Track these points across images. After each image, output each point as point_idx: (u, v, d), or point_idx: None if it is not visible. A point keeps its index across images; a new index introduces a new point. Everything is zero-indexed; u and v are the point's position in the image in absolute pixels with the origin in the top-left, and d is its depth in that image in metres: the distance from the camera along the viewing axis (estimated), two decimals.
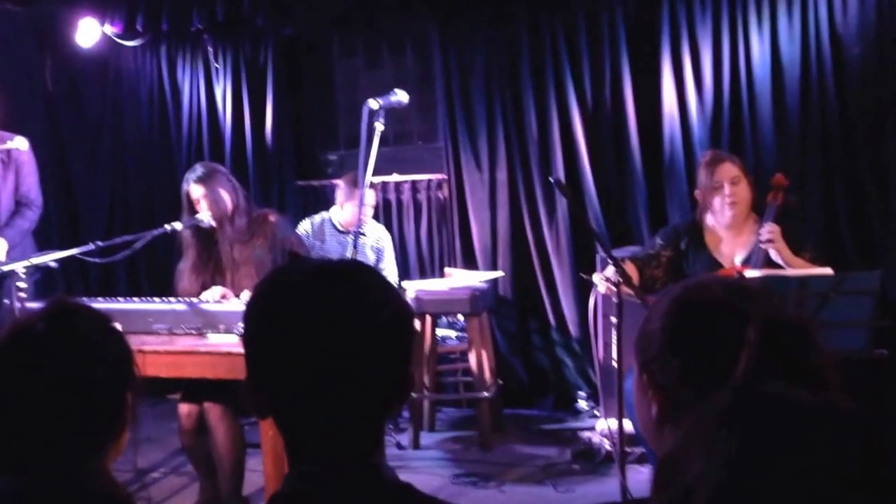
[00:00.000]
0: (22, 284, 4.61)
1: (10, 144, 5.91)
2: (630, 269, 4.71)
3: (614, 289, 4.24)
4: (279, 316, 1.55)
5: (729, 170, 4.83)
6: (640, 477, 5.16)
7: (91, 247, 4.79)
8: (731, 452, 1.01)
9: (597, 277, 4.61)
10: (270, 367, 1.55)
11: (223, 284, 5.07)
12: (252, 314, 1.60)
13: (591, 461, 5.81)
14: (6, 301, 4.86)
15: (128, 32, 7.91)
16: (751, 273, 4.52)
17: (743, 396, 1.11)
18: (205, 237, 5.12)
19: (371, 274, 1.64)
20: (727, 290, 1.76)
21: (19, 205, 6.27)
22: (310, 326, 1.51)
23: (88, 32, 7.62)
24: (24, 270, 4.62)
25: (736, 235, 4.88)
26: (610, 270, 4.39)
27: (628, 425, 4.30)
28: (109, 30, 7.84)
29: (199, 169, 5.13)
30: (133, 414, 1.98)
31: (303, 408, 1.54)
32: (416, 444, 6.33)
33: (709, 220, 4.93)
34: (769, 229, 4.65)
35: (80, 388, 1.85)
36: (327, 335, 1.51)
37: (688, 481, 1.03)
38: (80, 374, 1.86)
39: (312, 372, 1.51)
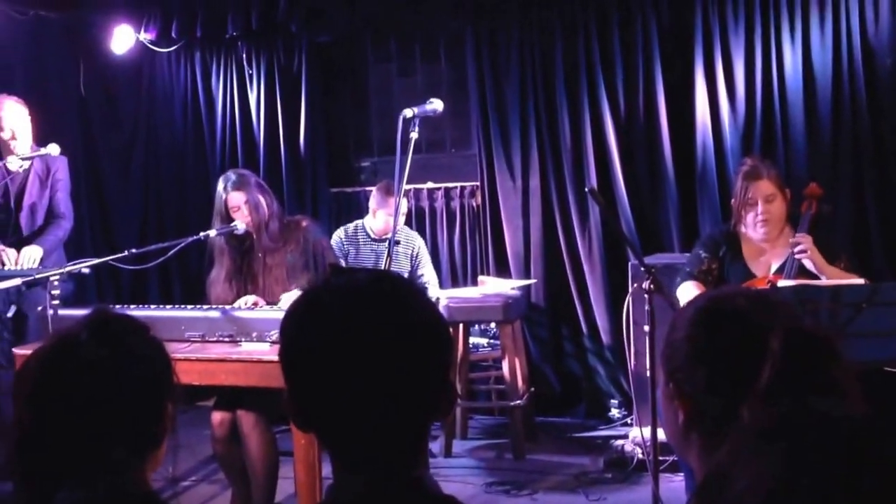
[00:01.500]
0: (55, 292, 4.64)
1: (42, 151, 5.98)
2: (700, 287, 4.71)
3: None
4: (317, 331, 1.55)
5: (764, 188, 4.80)
6: (673, 485, 5.14)
7: (125, 254, 4.83)
8: (778, 468, 1.02)
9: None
10: (310, 382, 1.56)
11: (255, 292, 5.09)
12: (290, 329, 1.59)
13: (623, 470, 5.80)
14: (39, 308, 4.90)
15: (162, 39, 7.98)
16: (784, 283, 4.50)
17: (789, 413, 1.11)
18: (237, 245, 5.15)
19: (407, 285, 1.65)
20: (751, 301, 1.79)
21: (52, 216, 6.34)
22: (347, 341, 1.51)
23: (123, 39, 7.69)
24: (57, 278, 4.66)
25: (771, 247, 4.86)
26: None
27: (661, 434, 4.27)
28: (144, 37, 7.91)
29: (232, 176, 5.16)
30: (173, 423, 1.99)
31: (344, 422, 1.54)
32: (448, 452, 6.33)
33: (743, 229, 4.91)
34: (801, 239, 4.63)
35: (123, 397, 1.87)
36: (365, 349, 1.51)
37: (734, 497, 1.04)
38: (123, 384, 1.87)
39: (352, 386, 1.51)
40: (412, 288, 1.64)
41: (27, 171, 6.23)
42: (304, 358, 1.56)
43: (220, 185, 5.14)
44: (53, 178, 6.32)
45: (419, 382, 1.54)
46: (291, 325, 1.60)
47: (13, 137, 6.09)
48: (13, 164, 6.14)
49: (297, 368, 1.58)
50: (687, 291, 4.68)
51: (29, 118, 6.20)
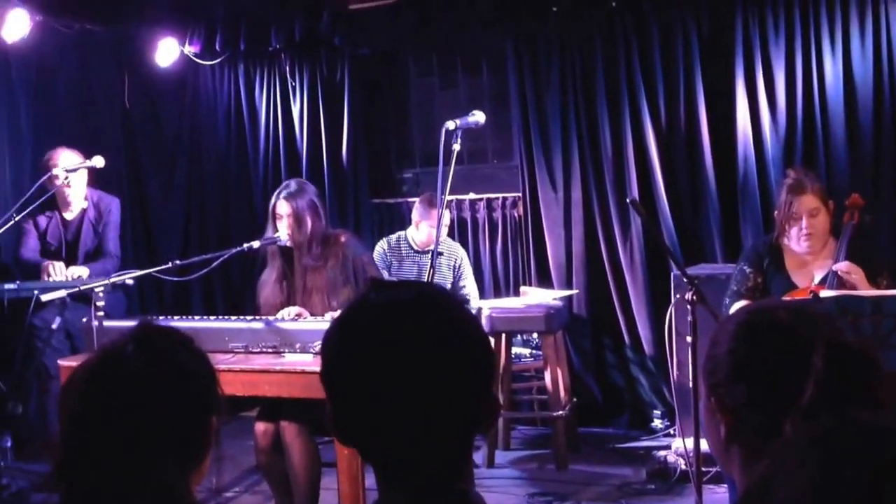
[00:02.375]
0: (100, 303, 4.69)
1: (87, 163, 6.07)
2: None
3: None
4: (357, 346, 1.55)
5: (808, 202, 4.76)
6: (717, 497, 5.11)
7: (169, 265, 4.88)
8: (818, 479, 1.02)
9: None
10: (351, 396, 1.55)
11: (297, 304, 5.11)
12: (331, 344, 1.60)
13: (666, 481, 5.77)
14: (84, 319, 4.96)
15: (206, 52, 8.06)
16: (826, 293, 4.47)
17: (831, 425, 1.10)
18: (284, 254, 5.18)
19: (447, 298, 1.64)
20: (792, 315, 1.78)
21: (100, 254, 6.50)
22: (387, 355, 1.51)
23: (168, 52, 7.76)
24: (101, 290, 4.72)
25: (814, 260, 4.83)
26: None
27: (704, 444, 4.26)
28: (188, 50, 7.99)
29: (292, 185, 5.20)
30: (217, 436, 1.99)
31: (386, 436, 1.53)
32: (490, 463, 6.33)
33: (785, 241, 4.88)
34: (847, 268, 4.60)
35: (167, 410, 1.87)
36: (405, 363, 1.50)
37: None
38: (168, 397, 1.88)
39: (393, 400, 1.51)
40: (452, 301, 1.64)
41: (80, 219, 6.41)
42: (345, 373, 1.56)
43: (277, 191, 5.19)
44: (105, 221, 6.51)
45: (460, 396, 1.53)
46: (333, 340, 1.60)
47: (67, 185, 6.20)
48: (73, 208, 6.30)
49: (339, 383, 1.58)
50: None
51: (83, 165, 6.29)
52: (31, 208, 6.05)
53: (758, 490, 1.08)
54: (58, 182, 6.18)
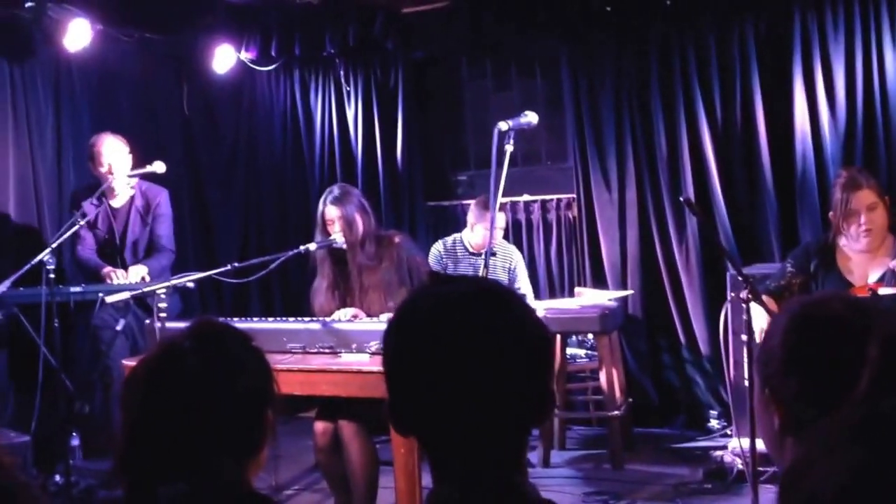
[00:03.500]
0: (162, 305, 4.78)
1: (148, 168, 6.15)
2: (772, 304, 4.65)
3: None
4: (418, 337, 1.57)
5: (866, 197, 4.73)
6: (773, 497, 5.07)
7: (228, 268, 4.95)
8: (856, 463, 1.04)
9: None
10: (410, 387, 1.57)
11: (353, 306, 5.16)
12: (393, 334, 1.62)
13: (723, 481, 5.74)
14: (147, 321, 5.06)
15: (262, 58, 8.16)
16: (885, 290, 4.45)
17: (872, 411, 1.12)
18: (339, 257, 5.23)
19: (510, 294, 1.65)
20: (847, 307, 1.78)
21: (154, 249, 6.54)
22: (448, 347, 1.53)
23: (225, 59, 7.87)
24: (163, 292, 4.80)
25: (871, 258, 4.80)
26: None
27: (761, 444, 4.25)
28: (245, 56, 8.10)
29: (335, 190, 5.23)
30: (273, 430, 2.04)
31: (444, 427, 1.55)
32: (546, 463, 6.35)
33: (842, 241, 4.85)
34: None
35: (224, 404, 1.93)
36: (467, 356, 1.52)
37: (811, 489, 1.06)
38: (225, 390, 1.94)
39: (453, 392, 1.52)
40: (513, 295, 1.65)
41: (128, 208, 6.43)
42: (406, 363, 1.58)
43: (322, 197, 5.23)
44: (155, 213, 6.50)
45: (518, 388, 1.55)
46: (394, 331, 1.62)
47: (110, 172, 6.26)
48: (119, 198, 6.34)
49: (399, 373, 1.60)
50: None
51: (128, 153, 6.36)
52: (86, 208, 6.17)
53: (797, 471, 1.11)
54: (102, 170, 6.26)
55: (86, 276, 6.41)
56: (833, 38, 6.39)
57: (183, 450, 1.90)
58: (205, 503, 1.89)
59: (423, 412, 1.57)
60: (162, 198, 6.57)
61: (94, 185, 6.31)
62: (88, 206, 6.24)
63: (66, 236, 5.78)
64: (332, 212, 5.11)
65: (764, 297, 4.70)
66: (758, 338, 4.44)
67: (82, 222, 6.01)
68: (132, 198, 6.47)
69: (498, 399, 1.53)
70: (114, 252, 6.44)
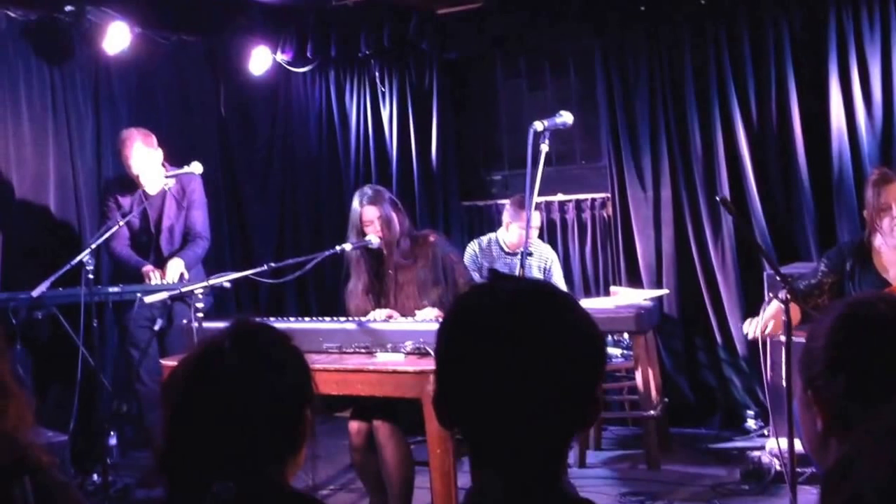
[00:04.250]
0: (199, 305, 4.81)
1: (186, 169, 6.17)
2: (793, 310, 4.61)
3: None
4: (475, 332, 1.57)
5: None
6: (811, 498, 5.06)
7: (264, 268, 4.98)
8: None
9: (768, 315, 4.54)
10: (462, 381, 1.57)
11: (388, 306, 5.18)
12: (449, 327, 1.62)
13: (760, 481, 5.71)
14: (184, 321, 5.09)
15: (298, 59, 8.22)
16: None
17: None
18: (373, 258, 5.24)
19: (567, 297, 1.65)
20: (891, 307, 1.78)
21: (189, 236, 6.54)
22: (505, 344, 1.53)
23: (260, 60, 7.93)
24: (201, 291, 4.84)
25: None
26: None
27: (799, 445, 4.23)
28: (281, 57, 8.15)
29: (368, 191, 5.24)
30: (312, 429, 2.05)
31: (492, 423, 1.55)
32: (582, 463, 6.35)
33: (877, 240, 4.81)
34: None
35: (263, 402, 1.94)
36: (521, 355, 1.52)
37: (854, 488, 1.06)
38: (264, 390, 1.95)
39: (504, 389, 1.52)
40: (570, 298, 1.65)
41: (163, 194, 6.40)
42: (459, 356, 1.58)
43: (356, 200, 5.23)
44: (189, 199, 6.49)
45: (570, 392, 1.55)
46: (451, 323, 1.63)
47: (138, 176, 6.26)
48: (152, 187, 6.35)
49: (451, 366, 1.60)
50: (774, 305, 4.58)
51: (154, 150, 6.33)
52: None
53: (841, 469, 1.11)
54: (132, 172, 6.25)
55: (122, 272, 6.44)
56: (869, 36, 6.36)
57: (223, 449, 1.92)
58: (249, 502, 1.90)
59: (471, 406, 1.57)
60: (196, 183, 6.53)
61: (125, 176, 6.34)
62: (123, 197, 6.31)
63: (105, 237, 5.82)
64: (370, 212, 5.12)
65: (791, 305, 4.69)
66: (759, 328, 4.46)
67: (121, 222, 6.04)
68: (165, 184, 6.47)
69: (548, 399, 1.53)
70: (149, 240, 6.46)
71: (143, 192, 6.33)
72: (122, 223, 6.06)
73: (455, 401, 1.59)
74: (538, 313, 1.56)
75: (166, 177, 6.24)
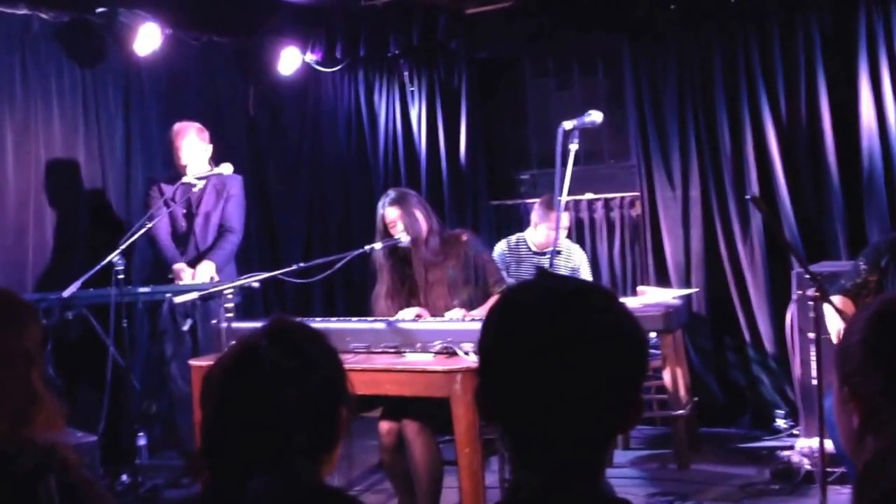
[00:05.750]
0: (229, 304, 4.84)
1: (216, 170, 6.23)
2: (847, 304, 4.60)
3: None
4: (521, 329, 1.57)
5: None
6: (842, 498, 5.03)
7: (293, 268, 5.00)
8: None
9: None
10: (507, 376, 1.58)
11: (418, 305, 5.18)
12: (495, 322, 1.63)
13: (790, 481, 5.67)
14: (213, 321, 5.11)
15: (327, 60, 8.27)
16: None
17: None
18: (399, 260, 5.24)
19: (614, 298, 1.65)
20: None
21: (223, 229, 6.60)
22: (550, 343, 1.54)
23: (290, 61, 7.98)
24: (230, 291, 4.86)
25: None
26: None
27: (829, 444, 4.22)
28: (310, 58, 8.20)
29: (391, 193, 5.26)
30: (347, 428, 2.06)
31: (533, 421, 1.56)
32: (610, 463, 6.30)
33: None
34: None
35: (300, 401, 1.95)
36: (567, 353, 1.53)
37: (890, 482, 1.06)
38: (301, 389, 1.96)
39: (549, 386, 1.53)
40: (616, 300, 1.65)
41: (205, 186, 6.49)
42: (505, 352, 1.59)
43: (380, 203, 5.24)
44: (228, 192, 6.57)
45: (613, 392, 1.55)
46: (497, 318, 1.63)
47: (186, 166, 6.36)
48: (193, 181, 6.43)
49: (496, 361, 1.61)
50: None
51: (206, 144, 6.47)
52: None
53: (875, 467, 1.11)
54: (181, 161, 6.36)
55: (155, 266, 6.53)
56: None
57: (260, 448, 1.92)
58: (287, 500, 1.91)
59: (513, 402, 1.57)
60: (237, 183, 6.65)
61: (174, 175, 6.43)
62: (167, 186, 6.40)
63: (135, 237, 5.86)
64: (391, 213, 5.13)
65: (840, 297, 4.68)
66: (835, 339, 4.41)
67: (149, 225, 6.07)
68: (209, 178, 6.54)
69: (590, 399, 1.54)
70: (189, 225, 6.54)
71: (188, 184, 6.41)
72: (149, 225, 6.07)
73: (497, 396, 1.60)
74: (585, 312, 1.57)
75: (197, 178, 6.29)
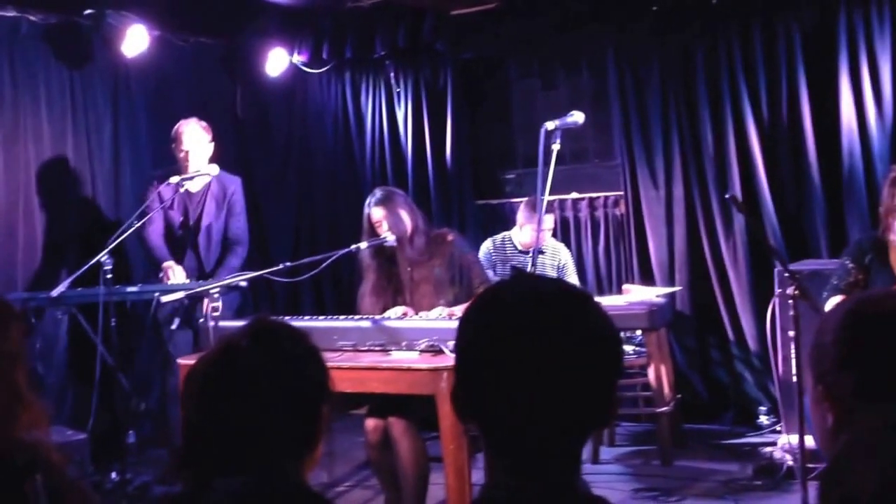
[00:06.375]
0: (216, 304, 4.88)
1: (203, 171, 6.28)
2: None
3: None
4: (497, 329, 1.57)
5: None
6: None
7: (280, 267, 5.04)
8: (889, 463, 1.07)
9: None
10: (483, 375, 1.58)
11: (403, 304, 5.23)
12: (472, 322, 1.64)
13: (773, 477, 5.73)
14: (201, 321, 5.15)
15: (314, 61, 8.30)
16: None
17: None
18: (385, 259, 5.29)
19: (590, 298, 1.66)
20: None
21: (229, 242, 6.63)
22: (527, 343, 1.54)
23: (277, 62, 8.02)
24: (217, 291, 4.90)
25: None
26: None
27: (810, 440, 4.26)
28: (297, 59, 8.24)
29: (378, 193, 5.31)
30: (328, 427, 2.08)
31: (509, 420, 1.57)
32: (595, 459, 6.37)
33: (892, 236, 4.84)
34: None
35: (281, 400, 1.98)
36: (543, 353, 1.53)
37: (853, 484, 1.10)
38: (282, 388, 1.98)
39: (525, 386, 1.53)
40: (591, 299, 1.66)
41: (204, 193, 6.53)
42: (481, 352, 1.59)
43: (367, 202, 5.30)
44: (230, 202, 6.60)
45: (588, 392, 1.56)
46: (474, 318, 1.64)
47: (186, 158, 6.38)
48: (193, 186, 6.47)
49: (472, 360, 1.61)
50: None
51: (208, 142, 6.49)
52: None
53: (839, 467, 1.14)
54: (181, 155, 6.36)
55: (149, 260, 6.56)
56: (879, 34, 6.38)
57: (241, 447, 1.94)
58: (262, 499, 1.93)
59: (488, 401, 1.58)
60: (237, 186, 6.67)
61: (172, 170, 6.40)
62: (165, 188, 6.33)
63: (124, 237, 5.88)
64: (377, 213, 5.19)
65: (839, 297, 4.73)
66: None
67: (137, 225, 6.09)
68: (208, 184, 6.55)
69: (566, 398, 1.54)
70: (186, 235, 6.54)
71: (187, 190, 6.46)
72: (137, 225, 6.07)
73: (473, 395, 1.60)
74: (560, 312, 1.57)
75: (183, 179, 6.29)
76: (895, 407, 1.18)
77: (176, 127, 6.48)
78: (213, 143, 6.51)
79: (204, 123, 6.51)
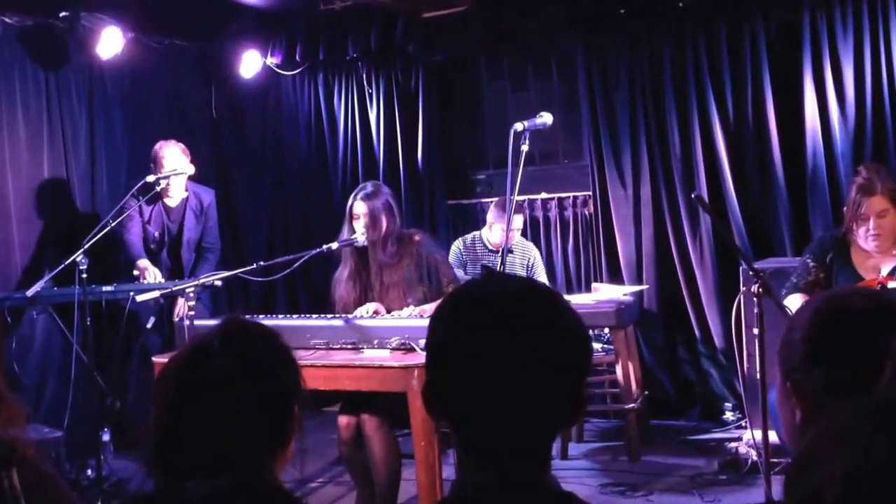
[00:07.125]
0: (191, 303, 4.94)
1: (178, 171, 6.41)
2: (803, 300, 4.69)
3: None
4: (467, 328, 1.58)
5: (877, 204, 4.73)
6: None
7: (254, 266, 5.10)
8: (859, 454, 1.11)
9: None
10: (452, 374, 1.59)
11: (374, 300, 5.29)
12: (442, 321, 1.64)
13: (738, 472, 5.83)
14: (176, 319, 5.19)
15: (287, 63, 8.36)
16: (894, 284, 4.53)
17: (878, 404, 1.20)
18: (361, 252, 5.33)
19: (559, 297, 1.66)
20: (868, 301, 1.86)
21: (203, 250, 6.83)
22: (496, 342, 1.55)
23: (251, 64, 8.08)
24: (192, 290, 4.97)
25: (883, 256, 4.86)
26: None
27: (774, 436, 4.33)
28: (271, 61, 8.29)
29: (368, 187, 5.33)
30: (300, 424, 2.12)
31: (479, 416, 1.57)
32: (564, 455, 6.44)
33: (860, 242, 4.90)
34: None
35: (252, 399, 2.00)
36: (513, 351, 1.54)
37: (819, 478, 1.14)
38: (253, 386, 2.01)
39: (494, 384, 1.54)
40: (561, 298, 1.66)
41: (183, 207, 6.69)
42: (451, 350, 1.60)
43: (354, 192, 5.32)
44: (207, 214, 6.83)
45: (557, 389, 1.57)
46: (444, 318, 1.64)
47: (169, 168, 6.47)
48: (171, 201, 6.64)
49: (442, 359, 1.62)
50: (792, 304, 4.70)
51: (189, 160, 6.58)
52: (135, 201, 6.38)
53: (805, 461, 1.19)
54: (158, 186, 6.40)
55: (125, 258, 6.65)
56: (842, 37, 6.48)
57: (213, 445, 1.96)
58: (234, 497, 1.95)
59: (459, 398, 1.59)
60: (212, 198, 6.93)
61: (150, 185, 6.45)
62: (146, 207, 6.58)
63: (97, 237, 5.90)
64: (359, 207, 5.21)
65: (798, 295, 4.81)
66: None
67: (113, 224, 6.13)
68: (186, 198, 6.70)
69: (535, 396, 1.55)
70: (160, 248, 6.70)
71: (164, 204, 6.65)
72: (112, 224, 6.07)
73: (444, 392, 1.61)
74: (529, 310, 1.58)
75: (157, 178, 6.33)
76: (863, 401, 1.23)
77: (156, 149, 6.56)
78: (192, 166, 6.60)
79: (182, 145, 6.61)
